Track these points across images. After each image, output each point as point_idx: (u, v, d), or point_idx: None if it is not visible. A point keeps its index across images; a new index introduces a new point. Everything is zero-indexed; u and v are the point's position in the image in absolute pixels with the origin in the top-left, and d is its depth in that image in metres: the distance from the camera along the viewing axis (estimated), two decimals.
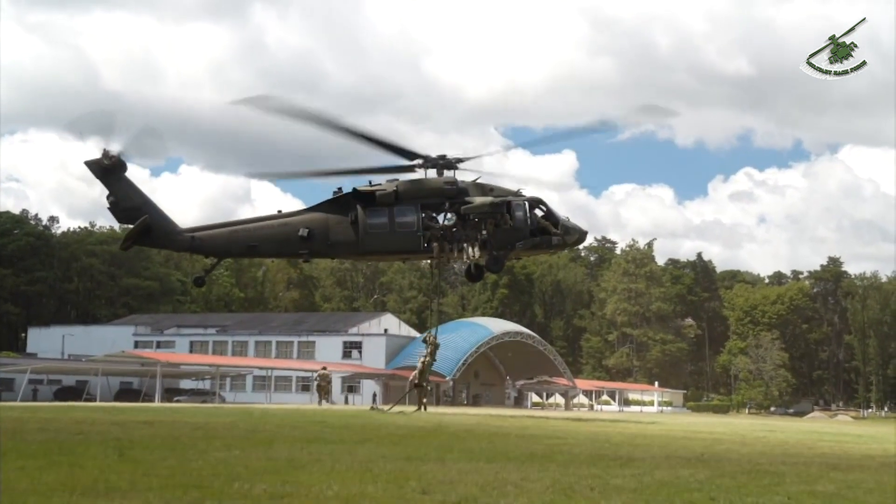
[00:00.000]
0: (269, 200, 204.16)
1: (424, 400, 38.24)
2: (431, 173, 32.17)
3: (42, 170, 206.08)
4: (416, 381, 38.02)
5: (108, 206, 30.05)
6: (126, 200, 29.84)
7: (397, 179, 31.74)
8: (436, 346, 36.99)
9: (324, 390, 53.27)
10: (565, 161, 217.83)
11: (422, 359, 37.88)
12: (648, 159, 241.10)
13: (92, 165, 29.63)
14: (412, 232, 31.16)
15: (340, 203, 31.18)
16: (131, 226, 30.35)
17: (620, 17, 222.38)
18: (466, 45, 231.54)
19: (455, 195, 31.61)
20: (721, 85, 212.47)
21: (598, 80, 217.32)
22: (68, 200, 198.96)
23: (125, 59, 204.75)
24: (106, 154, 29.41)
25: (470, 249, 31.88)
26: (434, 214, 31.86)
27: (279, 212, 32.18)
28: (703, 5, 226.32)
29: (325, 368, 57.97)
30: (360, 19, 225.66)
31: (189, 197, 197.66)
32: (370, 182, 31.50)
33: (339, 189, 31.48)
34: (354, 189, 31.24)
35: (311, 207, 31.84)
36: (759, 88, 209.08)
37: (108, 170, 29.54)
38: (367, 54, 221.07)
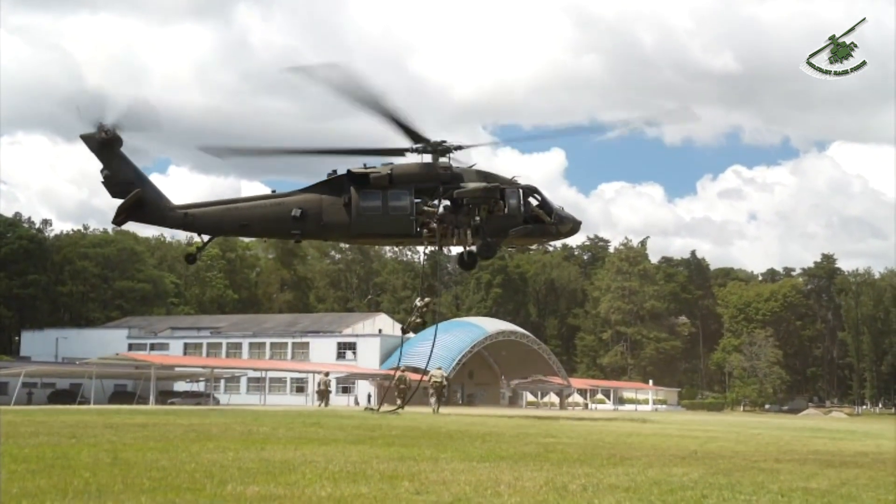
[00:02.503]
0: None
1: (399, 401, 40.01)
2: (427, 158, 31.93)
3: (31, 172, 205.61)
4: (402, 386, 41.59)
5: (102, 180, 30.04)
6: (120, 174, 29.81)
7: (392, 163, 31.58)
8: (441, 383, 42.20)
9: (323, 394, 54.43)
10: (554, 159, 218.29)
11: (435, 377, 41.88)
12: (638, 157, 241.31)
13: (88, 139, 29.69)
14: (405, 215, 30.92)
15: (334, 184, 30.99)
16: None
17: (604, 15, 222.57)
18: (453, 44, 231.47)
19: (449, 180, 31.41)
20: (708, 82, 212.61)
21: (585, 79, 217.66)
22: (57, 203, 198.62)
23: (110, 61, 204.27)
24: (102, 128, 29.45)
25: (463, 235, 31.79)
26: (428, 199, 31.54)
27: (273, 192, 32.03)
28: (687, 2, 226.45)
29: (327, 374, 59.84)
30: (345, 19, 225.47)
31: (178, 198, 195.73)
32: (365, 165, 31.32)
33: (334, 171, 31.34)
34: (349, 171, 31.03)
35: (305, 188, 31.57)
36: (746, 86, 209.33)
37: (104, 144, 29.60)
38: (353, 54, 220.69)
